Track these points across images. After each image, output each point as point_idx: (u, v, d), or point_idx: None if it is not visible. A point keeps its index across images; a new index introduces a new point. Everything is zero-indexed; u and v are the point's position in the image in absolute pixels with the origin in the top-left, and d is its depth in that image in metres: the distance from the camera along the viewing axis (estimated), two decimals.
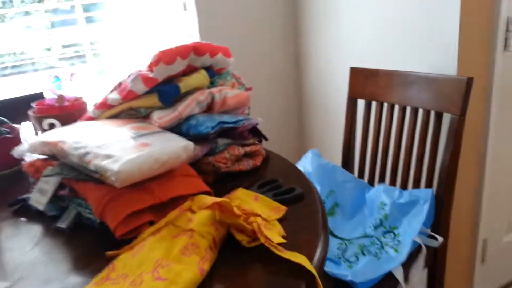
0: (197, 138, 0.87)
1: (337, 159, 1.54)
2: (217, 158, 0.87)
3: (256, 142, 0.98)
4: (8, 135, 0.97)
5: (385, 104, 1.35)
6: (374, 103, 1.39)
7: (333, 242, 1.23)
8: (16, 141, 0.98)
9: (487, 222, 1.56)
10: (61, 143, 0.74)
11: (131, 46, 1.84)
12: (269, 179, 0.83)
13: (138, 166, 0.67)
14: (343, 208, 1.34)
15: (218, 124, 0.87)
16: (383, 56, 1.53)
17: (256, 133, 0.99)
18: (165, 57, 0.87)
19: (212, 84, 0.99)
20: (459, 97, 1.10)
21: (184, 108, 0.89)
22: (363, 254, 1.16)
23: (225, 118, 0.91)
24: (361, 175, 1.45)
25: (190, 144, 0.79)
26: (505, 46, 1.35)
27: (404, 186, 1.31)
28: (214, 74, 1.00)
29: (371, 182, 1.42)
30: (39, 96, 1.25)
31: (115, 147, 0.71)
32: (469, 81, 1.09)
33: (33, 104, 1.07)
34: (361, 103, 1.44)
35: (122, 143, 0.73)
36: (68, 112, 1.04)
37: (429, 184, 1.23)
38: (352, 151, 1.48)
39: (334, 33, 1.76)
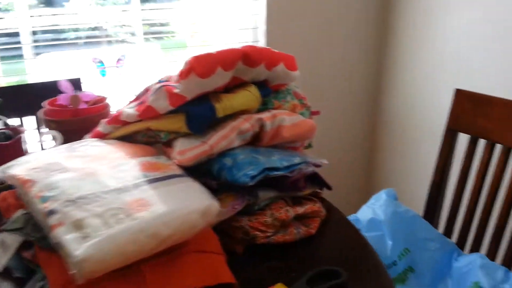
0: (231, 185, 0.61)
1: (419, 207, 1.21)
2: (254, 223, 0.60)
3: (313, 197, 0.69)
4: (4, 142, 0.77)
5: (498, 146, 1.00)
6: (482, 142, 1.04)
7: None
8: (15, 149, 0.78)
9: None
10: (29, 184, 0.51)
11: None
12: (327, 269, 0.55)
13: (118, 249, 0.43)
14: (420, 276, 1.02)
15: (262, 171, 0.60)
16: (502, 78, 1.15)
17: (315, 180, 0.71)
18: (199, 66, 0.61)
19: (264, 105, 0.72)
20: None
21: (219, 140, 0.63)
22: None
23: (276, 160, 0.64)
24: (448, 232, 1.12)
25: (214, 205, 0.53)
26: None
27: (509, 262, 0.96)
28: (269, 92, 0.72)
29: (461, 245, 1.08)
30: (72, 84, 1.05)
31: (96, 206, 0.47)
32: None
33: (44, 103, 0.86)
34: (463, 138, 1.10)
35: (112, 197, 0.49)
36: (83, 117, 0.83)
37: None
38: (441, 199, 1.14)
39: (434, 42, 1.39)
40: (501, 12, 1.16)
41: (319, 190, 0.73)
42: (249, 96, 0.67)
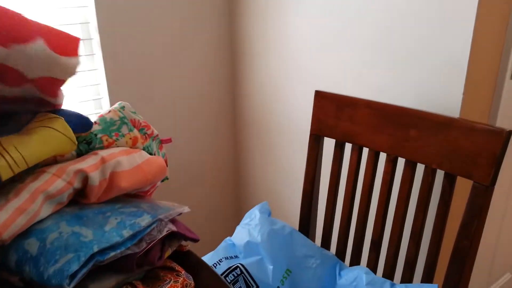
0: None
1: (295, 218, 1.11)
2: None
3: (175, 261, 0.51)
4: None
5: (366, 150, 0.95)
6: (348, 146, 0.98)
7: None
8: None
9: None
10: None
11: None
12: None
13: None
14: None
15: (89, 259, 0.39)
16: (364, 79, 1.12)
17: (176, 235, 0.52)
18: None
19: (87, 144, 0.50)
20: (487, 158, 0.73)
21: (11, 218, 0.40)
22: None
23: (112, 231, 0.43)
24: (326, 243, 1.05)
25: None
26: None
27: (390, 271, 0.92)
28: (89, 123, 0.50)
29: (341, 255, 1.02)
30: None
31: None
32: (508, 136, 0.72)
33: None
34: (329, 144, 1.03)
35: None
36: None
37: (428, 270, 0.86)
38: (314, 208, 1.07)
39: (289, 41, 1.31)
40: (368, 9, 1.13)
41: (183, 243, 0.55)
42: (53, 137, 0.44)
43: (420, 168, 0.86)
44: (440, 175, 0.83)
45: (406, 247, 0.89)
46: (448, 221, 0.83)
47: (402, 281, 0.91)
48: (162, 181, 0.67)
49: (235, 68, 1.52)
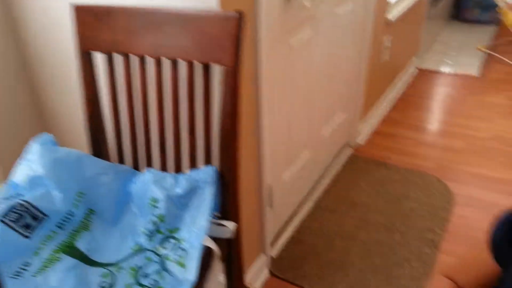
0: None
1: (84, 144, 1.08)
2: None
3: None
4: None
5: (132, 57, 0.95)
6: (117, 57, 0.97)
7: (93, 275, 0.84)
8: None
9: (270, 168, 1.44)
10: None
11: None
12: None
13: None
14: (102, 214, 0.95)
15: None
16: None
17: None
18: None
19: None
20: (230, 41, 0.80)
21: None
22: (140, 285, 0.82)
23: None
24: (121, 160, 1.06)
25: None
26: None
27: (178, 166, 0.99)
28: None
29: (136, 166, 1.05)
30: None
31: None
32: (241, 18, 0.78)
33: None
34: (99, 58, 1.00)
35: None
36: None
37: (208, 157, 0.95)
38: (102, 128, 1.06)
39: None
40: None
41: None
42: None
43: (182, 65, 0.90)
44: (199, 68, 0.89)
45: (188, 141, 0.96)
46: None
47: None
48: None
49: None
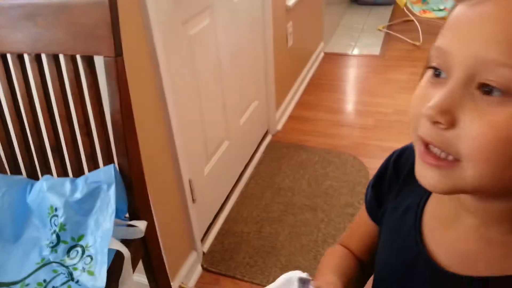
0: None
1: None
2: None
3: None
4: None
5: (9, 56, 0.86)
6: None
7: None
8: None
9: (187, 163, 1.40)
10: None
11: None
12: None
13: None
14: (2, 230, 0.86)
15: None
16: None
17: None
18: None
19: None
20: (105, 30, 0.75)
21: None
22: None
23: None
24: (16, 169, 0.97)
25: None
26: None
27: (78, 169, 0.92)
28: None
29: (33, 175, 0.96)
30: None
31: None
32: (113, 3, 0.74)
33: None
34: None
35: None
36: None
37: (109, 156, 0.89)
38: None
39: None
40: None
41: None
42: None
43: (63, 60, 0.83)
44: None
45: (84, 142, 0.89)
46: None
47: None
48: None
49: None
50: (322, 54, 3.13)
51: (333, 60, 3.12)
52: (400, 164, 0.54)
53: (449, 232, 0.44)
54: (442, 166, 0.37)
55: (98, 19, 0.74)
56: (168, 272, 1.35)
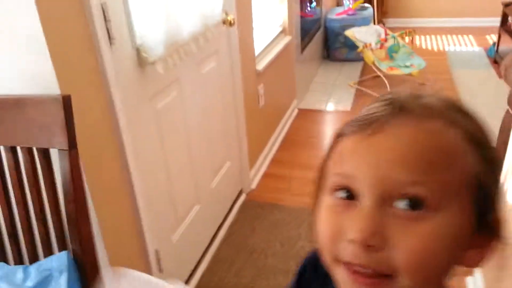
0: None
1: None
2: None
3: None
4: None
5: None
6: None
7: None
8: None
9: (153, 232, 1.41)
10: None
11: None
12: None
13: None
14: None
15: None
16: None
17: None
18: None
19: None
20: (59, 125, 0.79)
21: None
22: None
23: None
24: None
25: None
26: (110, 39, 1.11)
27: (33, 255, 0.93)
28: None
29: None
30: None
31: None
32: (67, 100, 0.78)
33: None
34: None
35: None
36: None
37: (63, 243, 0.90)
38: None
39: None
40: None
41: None
42: None
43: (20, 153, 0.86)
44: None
45: (39, 228, 0.90)
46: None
47: None
48: None
49: None
50: (296, 111, 3.22)
51: (307, 116, 3.22)
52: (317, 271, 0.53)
53: None
54: (378, 283, 0.38)
55: (53, 115, 0.78)
56: None
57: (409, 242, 0.36)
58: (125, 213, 1.26)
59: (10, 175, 0.87)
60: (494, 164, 0.41)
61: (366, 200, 0.38)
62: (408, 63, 3.48)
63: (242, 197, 2.28)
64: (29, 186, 0.86)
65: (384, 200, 0.37)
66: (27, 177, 0.86)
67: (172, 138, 1.52)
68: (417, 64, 3.46)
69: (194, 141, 1.70)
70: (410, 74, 3.41)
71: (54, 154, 0.84)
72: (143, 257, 1.37)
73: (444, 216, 0.37)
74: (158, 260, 1.46)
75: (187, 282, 1.73)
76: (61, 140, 0.78)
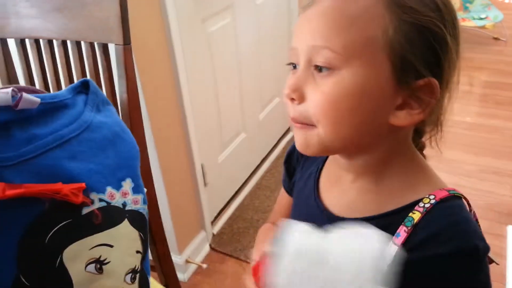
0: None
1: None
2: None
3: None
4: None
5: (42, 42, 1.03)
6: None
7: None
8: None
9: (200, 149, 1.54)
10: None
11: None
12: None
13: None
14: None
15: None
16: None
17: None
18: None
19: None
20: (116, 22, 0.89)
21: None
22: None
23: None
24: None
25: None
26: None
27: None
28: None
29: None
30: None
31: None
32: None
33: None
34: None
35: None
36: None
37: None
38: None
39: None
40: None
41: None
42: None
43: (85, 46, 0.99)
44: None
45: None
46: None
47: None
48: None
49: None
50: None
51: None
52: None
53: (337, 188, 0.55)
54: (304, 127, 0.48)
55: (110, 12, 0.89)
56: (176, 245, 1.50)
57: (316, 96, 0.45)
58: (174, 123, 1.39)
59: (75, 68, 1.01)
60: (425, 31, 0.43)
61: (300, 66, 0.47)
62: (483, 15, 3.24)
63: (289, 135, 2.36)
64: (90, 78, 0.99)
65: (309, 64, 0.46)
66: (89, 70, 0.99)
67: (223, 63, 1.61)
68: (493, 16, 3.22)
69: (244, 71, 1.77)
70: (483, 27, 3.19)
71: (111, 49, 0.96)
72: (190, 167, 1.51)
73: (346, 72, 0.44)
74: (204, 174, 1.60)
75: (229, 201, 1.87)
76: (118, 36, 0.89)
